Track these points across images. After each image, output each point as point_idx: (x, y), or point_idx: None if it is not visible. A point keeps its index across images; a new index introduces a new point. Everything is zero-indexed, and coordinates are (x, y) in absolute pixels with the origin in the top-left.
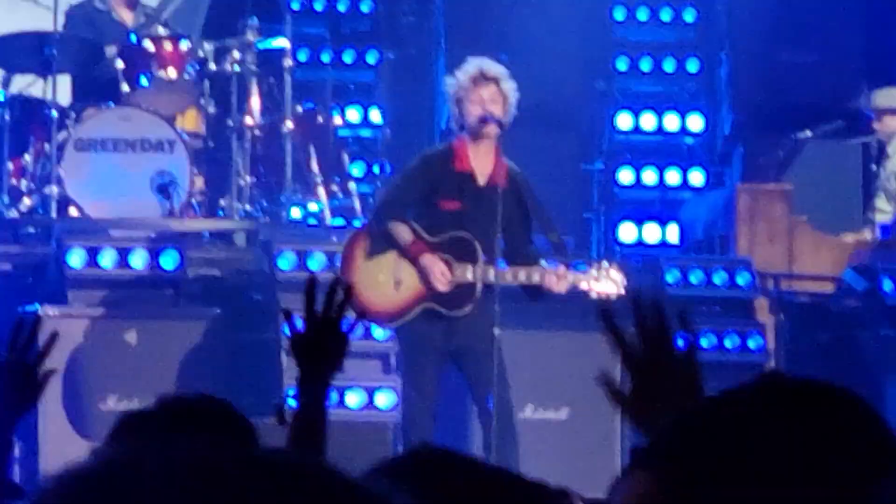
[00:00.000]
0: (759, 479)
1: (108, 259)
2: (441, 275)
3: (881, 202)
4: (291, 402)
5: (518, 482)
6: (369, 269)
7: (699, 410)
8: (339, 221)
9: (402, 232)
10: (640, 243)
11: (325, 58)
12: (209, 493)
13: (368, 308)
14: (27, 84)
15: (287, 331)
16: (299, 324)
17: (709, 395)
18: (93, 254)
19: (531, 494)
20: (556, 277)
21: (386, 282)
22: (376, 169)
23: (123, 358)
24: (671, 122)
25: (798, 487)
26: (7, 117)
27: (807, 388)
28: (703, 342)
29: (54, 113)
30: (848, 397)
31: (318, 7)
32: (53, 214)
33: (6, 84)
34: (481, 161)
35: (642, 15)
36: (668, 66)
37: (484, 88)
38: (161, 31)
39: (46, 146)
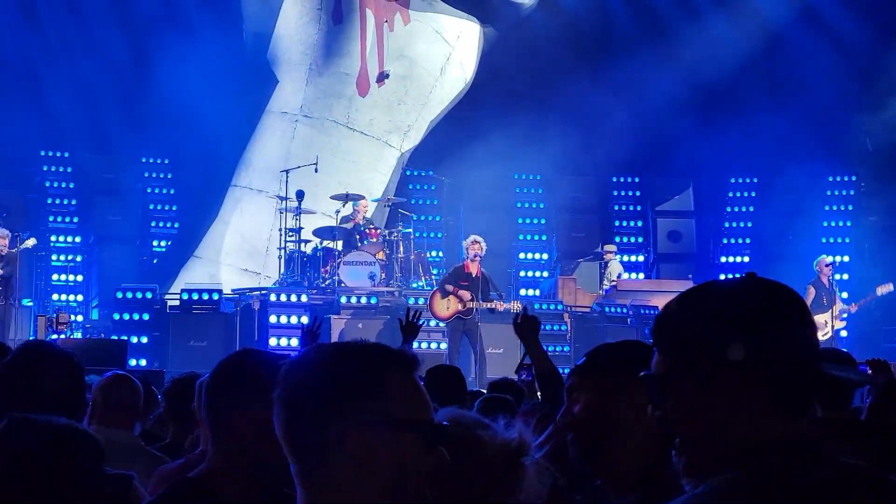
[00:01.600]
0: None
1: (354, 301)
2: (466, 300)
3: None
4: None
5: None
6: (440, 301)
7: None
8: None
9: (450, 286)
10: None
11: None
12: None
13: (438, 315)
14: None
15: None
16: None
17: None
18: (348, 297)
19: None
20: (498, 305)
21: (445, 305)
22: (435, 270)
23: (359, 333)
24: None
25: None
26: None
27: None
28: None
29: (338, 251)
30: None
31: None
32: (336, 281)
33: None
34: (473, 268)
35: None
36: None
37: (473, 245)
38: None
39: (335, 264)
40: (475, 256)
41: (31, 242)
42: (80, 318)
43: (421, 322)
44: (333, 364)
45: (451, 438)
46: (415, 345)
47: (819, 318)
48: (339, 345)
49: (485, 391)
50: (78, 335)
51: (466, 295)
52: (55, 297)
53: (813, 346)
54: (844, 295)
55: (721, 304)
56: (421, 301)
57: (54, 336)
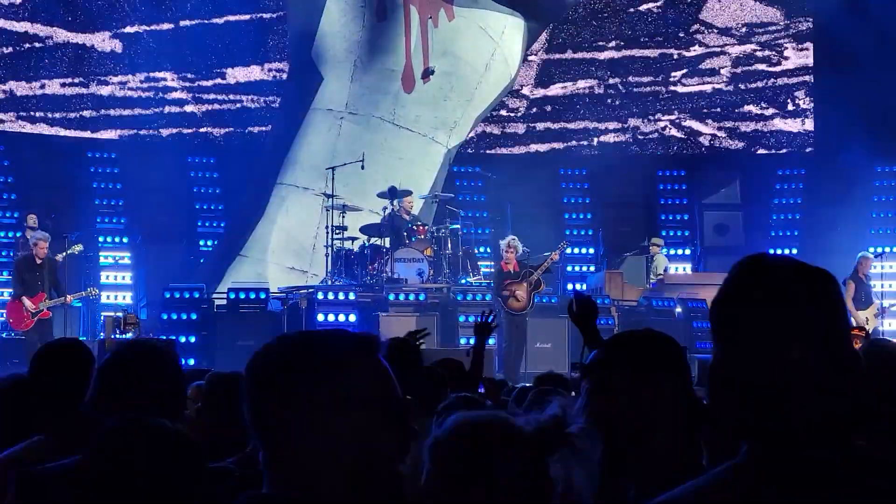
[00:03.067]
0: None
1: (402, 298)
2: (521, 285)
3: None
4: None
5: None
6: (510, 300)
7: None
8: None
9: (506, 291)
10: None
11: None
12: None
13: (517, 308)
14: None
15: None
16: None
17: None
18: (396, 295)
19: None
20: (551, 259)
21: (517, 298)
22: (482, 266)
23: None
24: None
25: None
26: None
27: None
28: None
29: (385, 248)
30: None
31: None
32: (383, 278)
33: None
34: (511, 266)
35: None
36: None
37: (507, 250)
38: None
39: (382, 261)
40: (513, 257)
41: (77, 248)
42: None
43: (494, 322)
44: (296, 350)
45: (413, 412)
46: (462, 341)
47: (860, 315)
48: (301, 332)
49: (528, 385)
50: (129, 335)
51: (518, 286)
52: (104, 297)
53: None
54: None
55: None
56: (469, 297)
57: (123, 336)
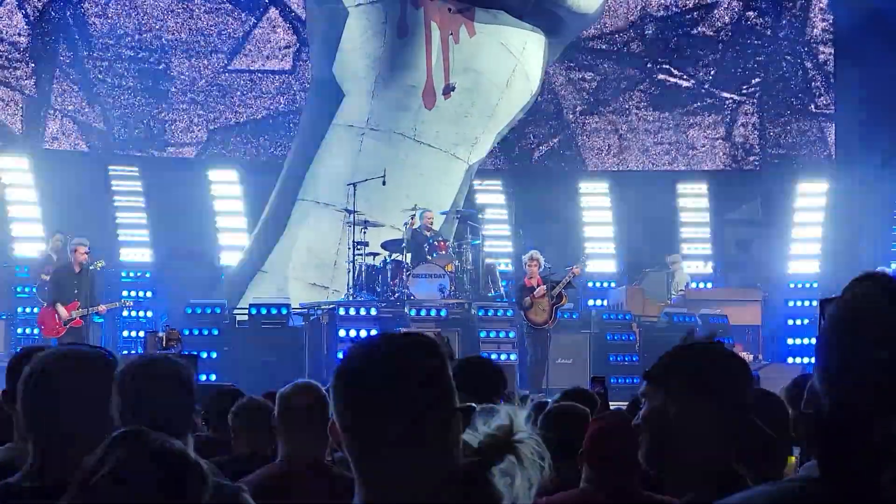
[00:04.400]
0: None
1: (423, 313)
2: (546, 295)
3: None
4: None
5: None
6: (532, 312)
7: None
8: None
9: (527, 300)
10: None
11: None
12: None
13: (538, 322)
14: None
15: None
16: None
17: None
18: (418, 310)
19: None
20: (573, 273)
21: (540, 309)
22: (503, 282)
23: None
24: None
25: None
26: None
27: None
28: None
29: (406, 264)
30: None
31: None
32: (405, 294)
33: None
34: (534, 281)
35: None
36: None
37: (530, 263)
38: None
39: (404, 277)
40: (536, 272)
41: (100, 264)
42: None
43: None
44: (397, 356)
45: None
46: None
47: None
48: (397, 336)
49: (545, 398)
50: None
51: (542, 291)
52: (125, 312)
53: None
54: None
55: None
56: (490, 313)
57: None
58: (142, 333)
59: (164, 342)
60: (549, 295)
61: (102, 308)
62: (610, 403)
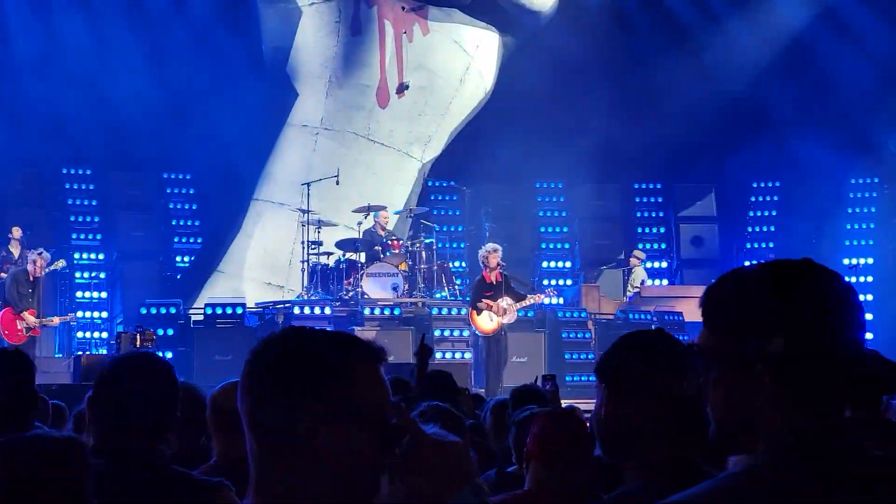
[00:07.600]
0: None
1: (377, 312)
2: (502, 308)
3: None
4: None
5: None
6: (480, 318)
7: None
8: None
9: (482, 304)
10: None
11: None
12: None
13: (484, 330)
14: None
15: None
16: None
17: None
18: (371, 309)
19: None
20: (534, 299)
21: (488, 318)
22: (458, 280)
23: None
24: None
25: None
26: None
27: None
28: None
29: (361, 263)
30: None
31: None
32: (359, 293)
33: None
34: (493, 276)
35: None
36: None
37: (492, 254)
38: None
39: (358, 276)
40: (497, 265)
41: (60, 264)
42: (104, 334)
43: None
44: (302, 348)
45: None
46: (438, 355)
47: None
48: (306, 329)
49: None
50: (103, 351)
51: (499, 306)
52: (80, 314)
53: (855, 345)
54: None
55: (771, 293)
56: (444, 311)
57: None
58: (97, 335)
59: (137, 342)
60: (505, 296)
61: (56, 320)
62: (562, 401)
